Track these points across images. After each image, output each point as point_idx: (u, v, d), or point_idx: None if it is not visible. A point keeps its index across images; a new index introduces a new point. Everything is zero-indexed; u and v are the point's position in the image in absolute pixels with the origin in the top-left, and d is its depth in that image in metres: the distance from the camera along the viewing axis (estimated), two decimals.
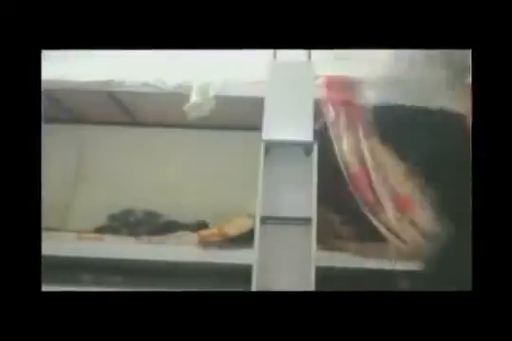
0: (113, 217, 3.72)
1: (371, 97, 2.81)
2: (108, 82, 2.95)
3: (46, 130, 2.09)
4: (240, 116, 3.36)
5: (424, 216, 2.75)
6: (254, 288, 2.51)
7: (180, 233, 3.28)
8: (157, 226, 3.61)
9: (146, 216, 3.74)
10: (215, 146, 3.81)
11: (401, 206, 2.77)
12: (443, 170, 2.56)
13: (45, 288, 1.28)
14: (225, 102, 2.88)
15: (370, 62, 2.75)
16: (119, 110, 3.74)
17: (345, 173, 2.77)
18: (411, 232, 2.71)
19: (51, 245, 2.60)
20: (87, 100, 3.43)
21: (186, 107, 2.87)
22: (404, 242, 2.65)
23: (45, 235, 2.37)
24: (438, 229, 2.54)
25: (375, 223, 2.72)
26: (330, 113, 2.82)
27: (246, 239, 2.71)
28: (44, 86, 2.14)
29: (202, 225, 3.36)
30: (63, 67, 2.87)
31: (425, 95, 2.66)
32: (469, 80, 1.53)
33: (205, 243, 2.88)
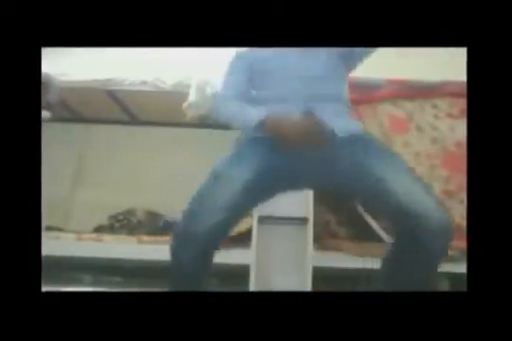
0: (114, 217, 3.72)
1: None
2: (107, 81, 2.95)
3: (46, 129, 2.10)
4: None
5: None
6: (251, 288, 2.52)
7: None
8: (158, 227, 3.61)
9: (147, 216, 3.74)
10: (215, 145, 3.80)
11: None
12: None
13: (44, 288, 1.29)
14: None
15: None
16: (119, 108, 3.74)
17: None
18: None
19: (51, 245, 2.60)
20: (87, 99, 3.43)
21: (184, 106, 2.88)
22: None
23: (45, 235, 2.38)
24: None
25: (372, 223, 2.73)
26: None
27: (243, 239, 2.72)
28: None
29: None
30: (62, 66, 2.87)
31: None
32: None
33: None
